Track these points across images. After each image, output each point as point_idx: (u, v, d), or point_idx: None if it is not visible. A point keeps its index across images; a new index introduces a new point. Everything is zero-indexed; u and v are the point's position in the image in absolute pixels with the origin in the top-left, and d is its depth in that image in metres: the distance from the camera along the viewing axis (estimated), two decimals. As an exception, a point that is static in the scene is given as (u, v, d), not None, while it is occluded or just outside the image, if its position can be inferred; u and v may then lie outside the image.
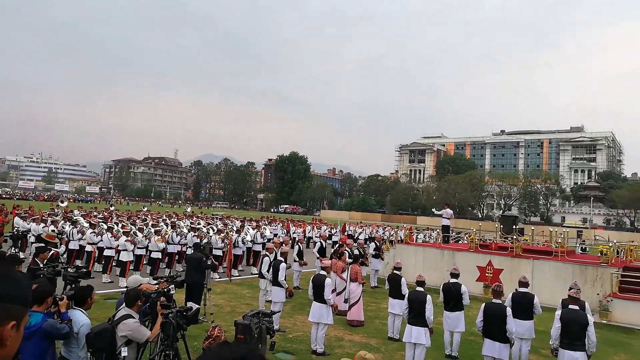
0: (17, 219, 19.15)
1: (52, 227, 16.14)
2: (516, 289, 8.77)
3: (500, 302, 7.55)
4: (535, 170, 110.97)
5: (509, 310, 7.27)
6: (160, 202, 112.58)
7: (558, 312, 7.18)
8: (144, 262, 15.09)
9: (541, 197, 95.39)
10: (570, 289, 7.41)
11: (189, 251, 15.22)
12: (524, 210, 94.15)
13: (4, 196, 76.82)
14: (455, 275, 9.31)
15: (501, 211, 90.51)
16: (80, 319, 4.76)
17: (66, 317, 4.66)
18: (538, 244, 20.79)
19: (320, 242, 16.73)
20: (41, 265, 6.62)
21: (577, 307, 7.12)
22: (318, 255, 15.40)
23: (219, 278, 15.54)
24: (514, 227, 19.14)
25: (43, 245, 8.40)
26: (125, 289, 5.53)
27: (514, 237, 16.89)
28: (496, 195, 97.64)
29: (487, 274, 15.80)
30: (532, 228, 20.23)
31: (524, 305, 8.44)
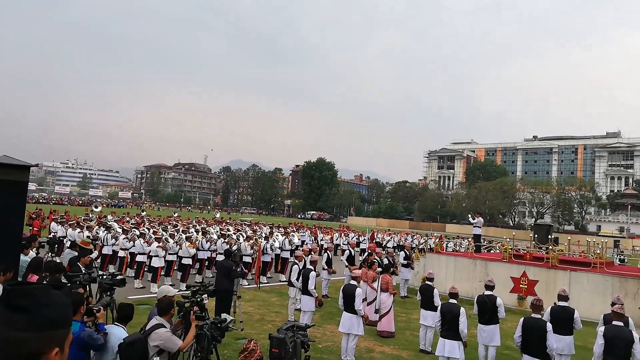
0: (53, 224, 19.72)
1: (86, 233, 16.53)
2: (555, 303, 8.44)
3: (540, 316, 7.27)
4: (570, 177, 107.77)
5: (549, 326, 6.99)
6: (189, 208, 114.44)
7: (601, 329, 6.86)
8: (175, 268, 15.28)
9: (576, 205, 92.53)
10: (614, 304, 7.07)
11: (219, 257, 15.31)
12: (557, 218, 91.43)
13: (41, 201, 79.53)
14: (490, 287, 9.04)
15: (533, 219, 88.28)
16: (120, 334, 4.73)
17: (102, 328, 4.68)
18: (573, 254, 20.11)
19: (349, 250, 16.59)
20: (83, 270, 6.73)
21: (621, 324, 6.79)
22: (347, 264, 15.26)
23: (248, 285, 15.58)
24: (549, 236, 18.57)
25: (75, 255, 8.57)
26: (156, 296, 5.54)
27: (550, 246, 16.36)
28: (528, 203, 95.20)
29: (521, 286, 15.34)
30: (569, 237, 19.56)
31: (563, 320, 8.12)
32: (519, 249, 18.22)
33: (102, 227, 18.37)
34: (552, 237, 18.71)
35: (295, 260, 11.74)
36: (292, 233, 22.41)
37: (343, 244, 27.63)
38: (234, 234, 19.03)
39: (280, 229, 26.61)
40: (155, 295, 12.36)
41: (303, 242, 25.53)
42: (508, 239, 17.99)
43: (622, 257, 35.51)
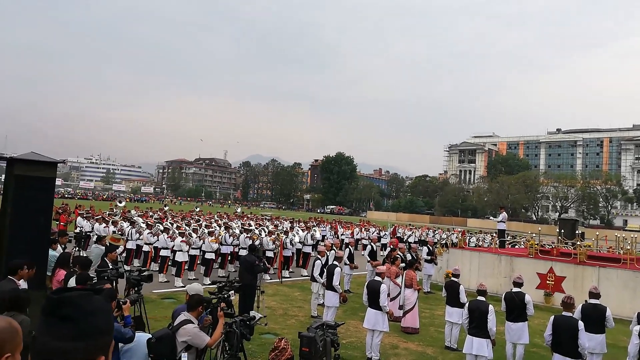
0: (79, 218, 20.10)
1: (112, 228, 16.79)
2: (586, 300, 8.21)
3: (571, 314, 7.07)
4: (595, 170, 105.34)
5: (581, 324, 6.78)
6: (210, 202, 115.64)
7: (636, 328, 6.63)
8: (198, 262, 15.41)
9: (601, 199, 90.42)
10: (650, 302, 6.83)
11: (242, 252, 15.38)
12: (582, 212, 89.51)
13: (67, 196, 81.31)
14: (518, 284, 8.84)
15: (557, 213, 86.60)
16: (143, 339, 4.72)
17: (129, 321, 4.70)
18: (601, 249, 19.61)
19: (370, 245, 16.49)
20: (110, 266, 6.81)
21: (657, 322, 6.54)
22: (369, 259, 15.17)
23: (270, 279, 15.63)
24: (575, 231, 18.13)
25: (102, 249, 8.69)
26: (186, 291, 5.54)
27: (577, 242, 15.97)
28: (552, 197, 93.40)
29: (548, 282, 15.02)
30: (597, 233, 19.06)
31: (595, 318, 7.88)
32: (545, 245, 17.80)
33: (126, 222, 18.63)
34: (579, 232, 18.27)
35: (318, 256, 11.70)
36: (313, 228, 22.37)
37: (364, 238, 27.52)
38: (256, 228, 19.11)
39: (300, 223, 26.62)
40: (179, 289, 12.51)
41: (324, 237, 25.54)
42: (534, 235, 17.60)
43: (651, 252, 34.58)
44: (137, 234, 16.26)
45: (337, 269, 9.73)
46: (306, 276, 16.34)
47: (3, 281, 5.54)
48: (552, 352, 7.09)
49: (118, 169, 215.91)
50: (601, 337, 7.98)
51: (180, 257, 14.12)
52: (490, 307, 7.61)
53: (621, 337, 10.45)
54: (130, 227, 17.21)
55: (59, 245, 9.11)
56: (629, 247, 16.27)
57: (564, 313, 7.05)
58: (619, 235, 18.37)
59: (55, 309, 1.23)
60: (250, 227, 18.84)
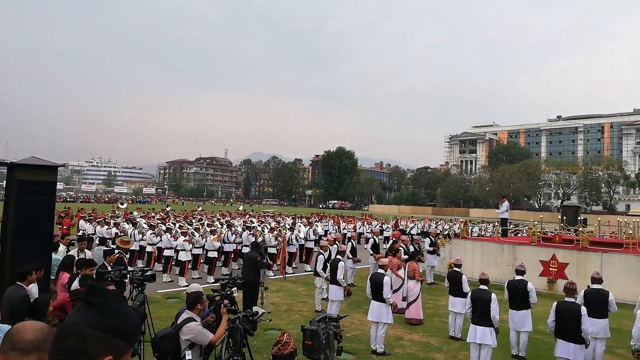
0: (82, 221, 20.17)
1: (114, 230, 16.84)
2: (588, 286, 8.23)
3: (574, 300, 7.10)
4: (596, 156, 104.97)
5: (583, 309, 6.81)
6: (212, 201, 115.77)
7: None
8: (201, 261, 15.47)
9: (603, 185, 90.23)
10: (652, 286, 6.85)
11: (245, 250, 15.43)
12: (584, 199, 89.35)
13: (69, 200, 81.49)
14: (521, 272, 8.87)
15: (559, 201, 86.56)
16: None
17: None
18: (603, 235, 19.62)
19: (373, 238, 16.52)
20: (109, 269, 6.85)
21: (661, 306, 6.57)
22: (372, 252, 15.21)
23: (274, 276, 15.69)
24: (578, 217, 18.15)
25: (107, 250, 8.74)
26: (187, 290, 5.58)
27: (579, 228, 15.98)
28: (554, 184, 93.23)
29: (550, 269, 15.05)
30: (599, 218, 19.07)
31: (598, 303, 7.90)
32: (547, 232, 17.82)
33: (129, 224, 18.69)
34: (581, 218, 18.28)
35: (321, 250, 11.74)
36: (315, 223, 22.42)
37: (367, 232, 27.57)
38: (258, 225, 19.16)
39: (303, 219, 26.67)
40: (183, 288, 12.56)
41: (326, 231, 25.58)
42: (536, 222, 17.60)
43: (654, 236, 34.56)
44: (140, 235, 16.32)
45: (341, 263, 9.76)
46: (309, 271, 16.39)
47: (12, 287, 5.53)
48: (555, 338, 7.13)
49: (119, 171, 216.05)
50: (604, 322, 8.00)
51: (184, 256, 14.17)
52: (493, 295, 7.64)
53: (625, 322, 10.48)
54: (132, 228, 17.27)
55: (61, 246, 9.15)
56: (631, 232, 16.30)
57: (566, 299, 7.09)
58: (621, 220, 18.36)
59: (87, 294, 1.29)
60: (253, 225, 18.87)
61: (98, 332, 1.24)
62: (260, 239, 15.14)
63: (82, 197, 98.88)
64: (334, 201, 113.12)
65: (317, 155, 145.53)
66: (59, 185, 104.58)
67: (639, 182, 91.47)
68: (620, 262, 14.11)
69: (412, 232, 30.42)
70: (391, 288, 10.86)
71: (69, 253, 9.53)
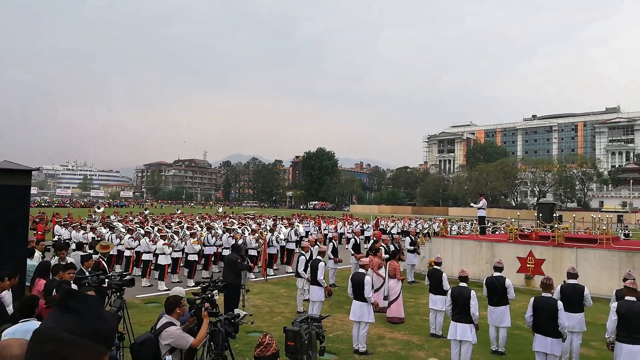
0: (57, 226, 19.74)
1: (91, 234, 16.52)
2: (564, 281, 8.42)
3: (550, 295, 7.25)
4: (570, 154, 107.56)
5: (560, 304, 6.96)
6: (192, 204, 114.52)
7: (614, 305, 6.81)
8: (181, 264, 15.29)
9: (577, 182, 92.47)
10: (625, 279, 7.02)
11: (225, 252, 15.31)
12: (559, 196, 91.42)
13: (43, 204, 79.59)
14: (499, 269, 9.02)
15: (535, 198, 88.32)
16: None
17: None
18: (578, 231, 20.09)
19: (354, 238, 16.59)
20: (87, 274, 6.71)
21: (634, 299, 6.74)
22: (353, 252, 15.26)
23: (255, 278, 15.60)
24: (553, 214, 18.54)
25: (84, 255, 8.57)
26: (167, 293, 5.52)
27: (555, 225, 16.33)
28: (530, 183, 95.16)
29: (528, 265, 15.34)
30: (573, 215, 19.52)
31: (574, 298, 8.09)
32: (524, 229, 18.17)
33: (106, 228, 18.36)
34: (557, 215, 18.68)
35: (302, 251, 11.73)
36: (296, 224, 22.38)
37: (348, 232, 27.65)
38: (239, 228, 19.03)
39: (283, 220, 26.60)
40: (163, 293, 12.39)
41: (307, 232, 25.58)
42: (513, 220, 17.92)
43: (626, 231, 35.58)
44: (118, 239, 16.05)
45: (321, 264, 9.77)
46: (291, 273, 16.35)
47: None
48: (533, 333, 7.26)
49: (96, 175, 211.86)
50: (580, 316, 8.19)
51: (163, 260, 14.00)
52: (473, 292, 7.74)
53: (600, 315, 10.75)
54: (110, 232, 16.97)
55: (37, 254, 8.94)
56: (604, 228, 16.73)
57: (543, 294, 7.22)
58: (595, 217, 18.82)
59: (65, 299, 1.25)
60: (233, 227, 18.74)
61: (76, 336, 1.21)
62: (240, 241, 15.03)
63: (57, 202, 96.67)
64: (314, 202, 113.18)
65: (297, 157, 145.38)
66: (33, 190, 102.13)
67: (611, 179, 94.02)
68: (595, 257, 14.46)
69: (392, 231, 30.66)
70: (372, 287, 10.94)
71: (45, 259, 9.31)
